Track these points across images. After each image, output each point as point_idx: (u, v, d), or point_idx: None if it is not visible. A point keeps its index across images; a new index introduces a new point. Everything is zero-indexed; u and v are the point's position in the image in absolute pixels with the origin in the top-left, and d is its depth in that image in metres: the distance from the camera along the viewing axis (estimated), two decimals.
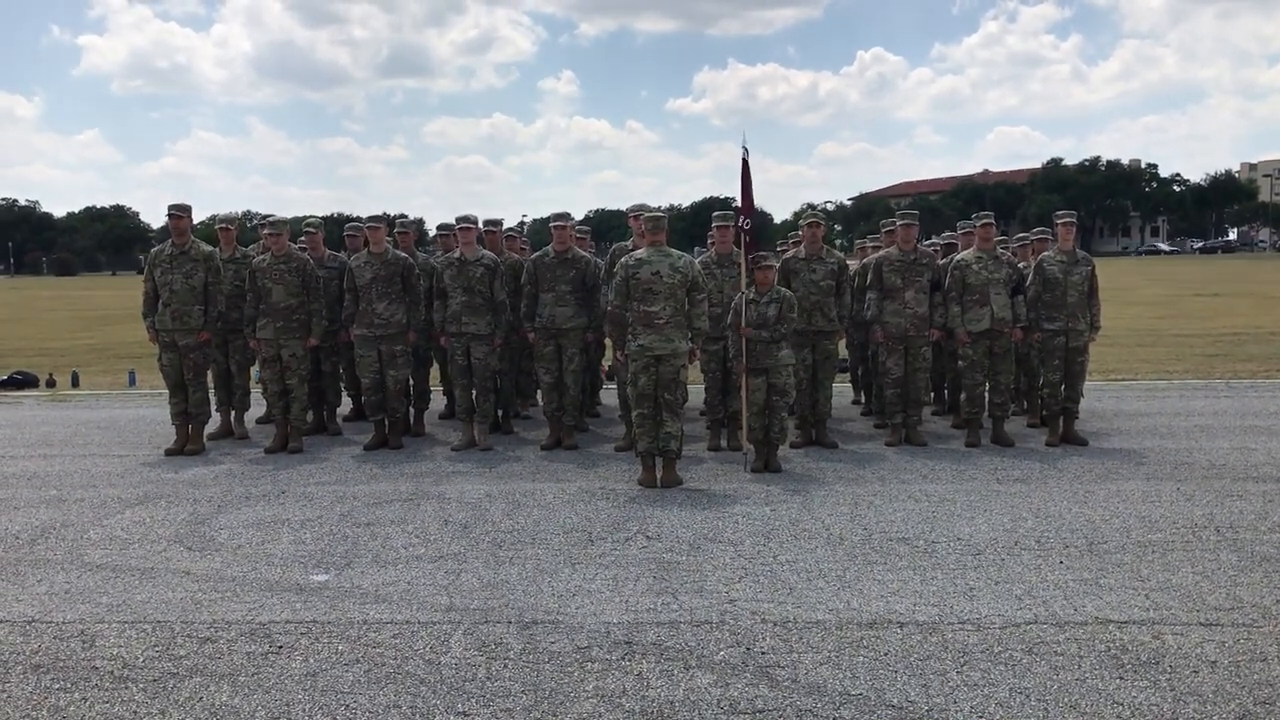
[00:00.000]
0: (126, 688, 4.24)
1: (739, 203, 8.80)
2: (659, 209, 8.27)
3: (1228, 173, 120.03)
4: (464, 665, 4.39)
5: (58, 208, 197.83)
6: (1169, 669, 4.23)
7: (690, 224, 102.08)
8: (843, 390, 11.29)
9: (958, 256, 9.18)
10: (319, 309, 9.22)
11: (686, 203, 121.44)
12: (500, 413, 9.95)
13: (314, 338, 9.23)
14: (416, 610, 5.05)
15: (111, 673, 4.39)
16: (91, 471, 8.51)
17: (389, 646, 4.61)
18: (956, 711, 3.90)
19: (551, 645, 4.58)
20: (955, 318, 8.97)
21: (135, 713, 4.02)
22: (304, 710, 4.01)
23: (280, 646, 4.63)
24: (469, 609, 5.05)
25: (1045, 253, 9.16)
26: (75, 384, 14.69)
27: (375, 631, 4.79)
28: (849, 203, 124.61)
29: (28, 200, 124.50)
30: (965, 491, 7.27)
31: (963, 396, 9.34)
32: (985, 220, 9.09)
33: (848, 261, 9.63)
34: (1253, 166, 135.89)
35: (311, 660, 4.47)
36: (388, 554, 6.01)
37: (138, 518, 6.96)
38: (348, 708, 4.02)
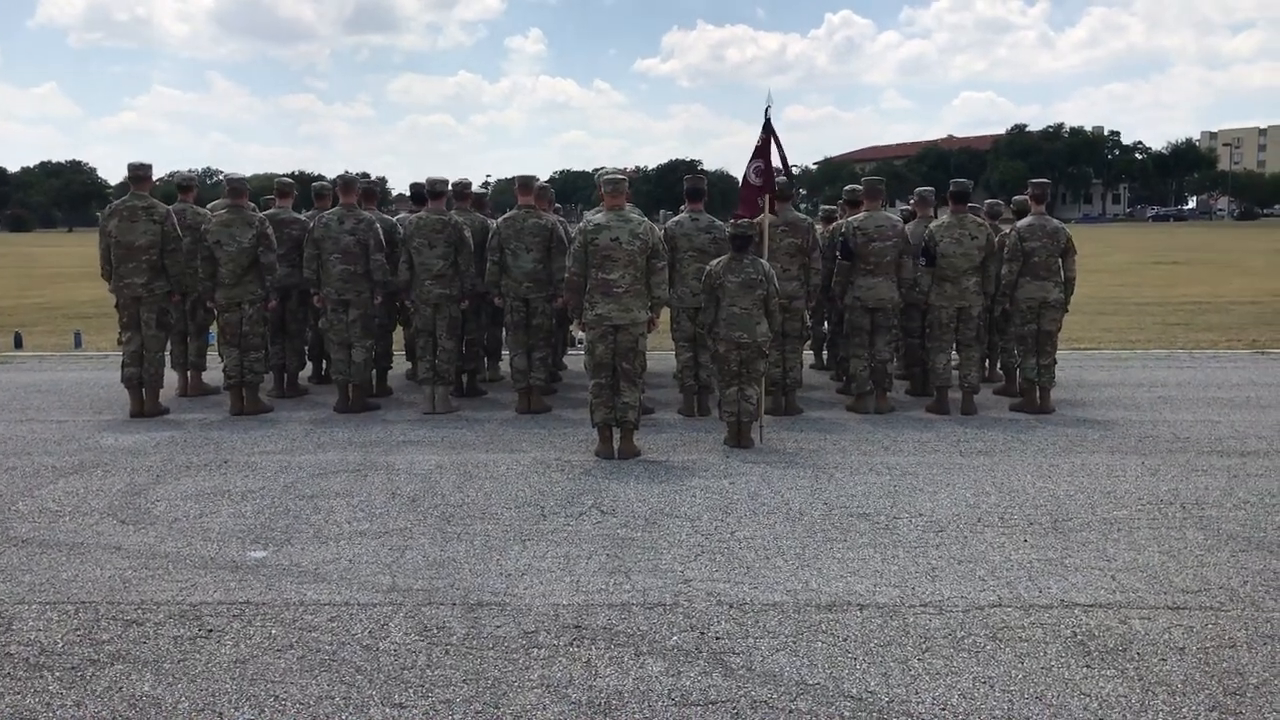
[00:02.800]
0: (41, 676, 3.98)
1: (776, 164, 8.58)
2: (621, 170, 7.99)
3: (1188, 141, 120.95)
4: (403, 652, 4.16)
5: (12, 162, 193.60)
6: (1136, 656, 4.08)
7: (655, 186, 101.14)
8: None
9: (932, 225, 9.05)
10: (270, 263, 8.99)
11: (653, 165, 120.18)
12: (466, 376, 9.82)
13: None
14: (357, 591, 4.82)
15: (27, 659, 4.12)
16: (26, 438, 8.17)
17: (325, 630, 4.37)
18: (918, 702, 3.72)
19: (496, 630, 4.37)
20: (929, 287, 8.92)
21: (48, 704, 3.76)
22: (230, 701, 3.77)
23: (210, 630, 4.38)
24: (412, 589, 4.82)
25: (1019, 222, 9.08)
26: (18, 345, 14.18)
27: (312, 614, 4.55)
28: (814, 167, 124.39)
29: None
30: (928, 464, 7.12)
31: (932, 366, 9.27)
32: (959, 188, 9.05)
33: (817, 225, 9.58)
34: (1213, 135, 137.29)
35: (242, 645, 4.23)
36: (330, 529, 5.76)
37: (71, 488, 6.65)
38: (277, 698, 3.79)
